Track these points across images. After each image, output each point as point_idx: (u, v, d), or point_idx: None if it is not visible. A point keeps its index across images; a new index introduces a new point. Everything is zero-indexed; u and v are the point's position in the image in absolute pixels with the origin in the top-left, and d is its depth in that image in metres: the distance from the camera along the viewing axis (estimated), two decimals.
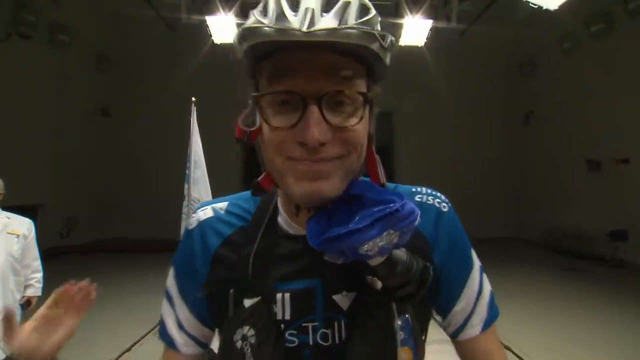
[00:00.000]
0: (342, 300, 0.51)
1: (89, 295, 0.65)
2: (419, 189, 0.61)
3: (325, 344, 0.51)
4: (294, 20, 0.39)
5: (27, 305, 2.42)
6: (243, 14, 5.59)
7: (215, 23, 5.58)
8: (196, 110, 3.29)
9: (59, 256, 7.02)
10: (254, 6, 0.47)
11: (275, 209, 0.56)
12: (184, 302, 0.58)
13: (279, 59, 0.43)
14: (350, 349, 0.48)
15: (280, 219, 0.56)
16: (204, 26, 5.75)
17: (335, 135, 0.43)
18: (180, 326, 0.58)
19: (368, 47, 0.41)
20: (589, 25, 7.01)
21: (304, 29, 0.38)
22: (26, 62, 7.12)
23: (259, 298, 0.49)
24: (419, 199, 0.59)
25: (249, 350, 0.46)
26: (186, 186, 3.24)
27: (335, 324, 0.51)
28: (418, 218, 0.44)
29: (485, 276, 0.60)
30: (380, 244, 0.41)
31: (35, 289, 2.47)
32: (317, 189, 0.44)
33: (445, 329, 0.60)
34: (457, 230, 0.59)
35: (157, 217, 8.36)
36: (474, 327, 0.57)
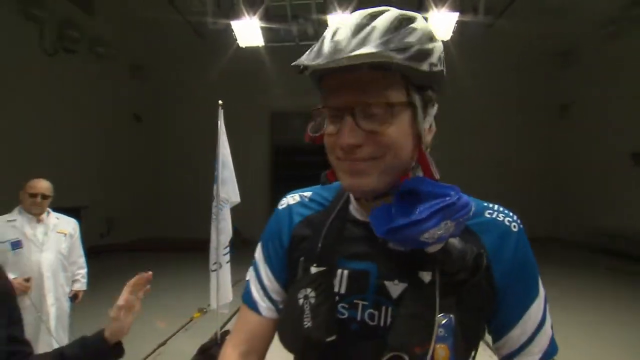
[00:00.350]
0: (393, 288, 0.55)
1: (148, 283, 0.86)
2: (491, 205, 0.62)
3: (371, 323, 0.56)
4: (325, 52, 0.48)
5: (75, 299, 2.62)
6: (267, 17, 5.69)
7: (240, 27, 5.73)
8: (223, 113, 3.39)
9: (99, 254, 7.47)
10: (277, 10, 0.52)
11: (348, 198, 0.64)
12: (269, 268, 0.67)
13: (327, 81, 0.53)
14: (392, 334, 0.52)
15: (351, 207, 0.64)
16: (229, 31, 5.91)
17: (369, 139, 0.51)
18: (264, 290, 0.67)
19: (389, 62, 0.47)
20: (632, 8, 6.53)
21: (322, 60, 0.47)
22: (71, 74, 7.64)
23: (323, 268, 0.57)
24: (489, 215, 0.60)
25: (308, 307, 0.54)
26: (215, 187, 3.36)
27: (383, 308, 0.55)
28: (473, 209, 0.50)
29: (548, 307, 0.60)
30: (438, 233, 0.47)
31: (81, 284, 2.66)
32: (356, 183, 0.53)
33: (497, 349, 0.61)
34: (524, 253, 0.58)
35: (187, 217, 8.71)
36: (532, 356, 0.57)
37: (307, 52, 0.52)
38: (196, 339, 3.33)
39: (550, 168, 9.88)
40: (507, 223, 0.59)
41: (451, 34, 5.82)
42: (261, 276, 0.68)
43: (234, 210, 3.45)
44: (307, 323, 0.53)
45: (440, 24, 5.63)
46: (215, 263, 3.24)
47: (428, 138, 0.56)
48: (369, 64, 0.46)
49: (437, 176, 0.55)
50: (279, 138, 10.65)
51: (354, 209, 0.63)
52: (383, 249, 0.57)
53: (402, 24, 0.50)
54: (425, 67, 0.50)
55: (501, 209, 0.62)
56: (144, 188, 10.32)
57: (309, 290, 0.56)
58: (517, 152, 9.85)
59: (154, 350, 3.29)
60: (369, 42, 0.47)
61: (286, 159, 10.40)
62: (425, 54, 0.50)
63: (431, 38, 0.52)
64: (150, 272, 0.86)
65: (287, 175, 9.82)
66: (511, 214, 0.61)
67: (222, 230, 3.28)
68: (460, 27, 5.84)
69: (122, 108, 9.57)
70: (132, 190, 9.85)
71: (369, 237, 0.57)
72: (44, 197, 2.37)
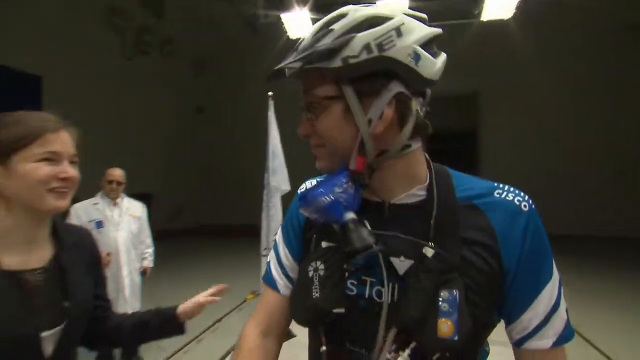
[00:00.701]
0: (399, 264, 0.56)
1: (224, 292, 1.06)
2: (501, 186, 0.61)
3: (378, 300, 0.57)
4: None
5: (144, 274, 2.96)
6: (316, 8, 5.70)
7: (290, 19, 5.84)
8: (273, 104, 3.50)
9: (167, 237, 8.26)
10: (327, 0, 0.57)
11: None
12: (287, 248, 0.72)
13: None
14: (398, 310, 0.53)
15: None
16: (279, 23, 6.05)
17: (313, 130, 0.59)
18: (283, 269, 0.71)
19: (313, 69, 0.54)
20: None
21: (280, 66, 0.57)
22: (144, 73, 8.49)
23: (333, 244, 0.60)
24: (498, 195, 0.59)
25: (317, 279, 0.57)
26: (266, 176, 3.52)
27: (390, 285, 0.56)
28: (324, 200, 0.55)
29: (562, 291, 0.58)
30: (311, 214, 0.58)
31: (148, 261, 3.00)
32: (318, 165, 0.62)
33: (509, 333, 0.59)
34: (536, 234, 0.57)
35: (242, 204, 9.21)
36: (545, 340, 0.56)
37: None
38: (248, 319, 3.57)
39: (626, 157, 8.67)
40: (517, 203, 0.58)
41: (513, 11, 5.31)
42: (280, 256, 0.72)
43: (285, 198, 3.58)
44: (316, 294, 0.56)
45: (500, 2, 5.17)
46: (265, 249, 3.42)
47: (379, 127, 0.55)
48: (296, 70, 0.55)
49: (353, 167, 0.57)
50: None
51: (367, 192, 0.64)
52: (390, 226, 0.58)
53: (324, 27, 0.55)
54: (337, 62, 0.52)
55: (512, 189, 0.60)
56: (206, 176, 11.14)
57: (318, 263, 0.58)
58: (587, 139, 8.81)
59: (211, 326, 3.61)
60: (292, 55, 0.56)
61: None
62: (334, 50, 0.52)
63: (353, 29, 0.53)
64: (228, 285, 1.06)
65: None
66: (522, 194, 0.59)
67: (273, 217, 3.44)
68: (524, 4, 5.30)
69: (186, 101, 10.39)
70: (195, 178, 10.69)
71: (377, 215, 0.59)
72: (119, 183, 2.70)
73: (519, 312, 0.57)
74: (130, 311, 2.72)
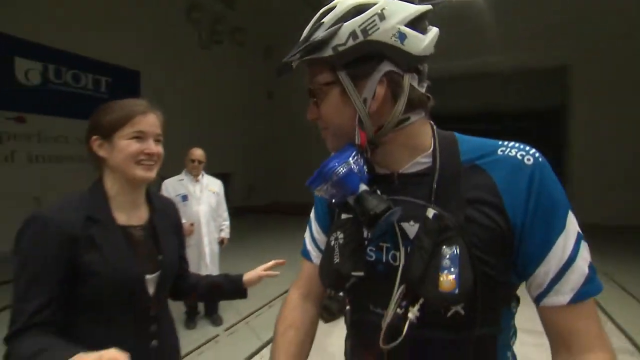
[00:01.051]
0: (409, 228, 0.60)
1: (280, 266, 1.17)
2: (505, 143, 0.61)
3: (394, 263, 0.61)
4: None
5: (222, 244, 3.32)
6: None
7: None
8: None
9: (242, 214, 9.01)
10: None
11: None
12: (317, 224, 0.81)
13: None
14: (407, 268, 0.58)
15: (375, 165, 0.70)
16: None
17: (320, 115, 0.64)
18: (315, 242, 0.80)
19: (311, 60, 0.59)
20: None
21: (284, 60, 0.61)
22: (217, 61, 9.17)
23: (350, 215, 0.64)
24: (501, 152, 0.60)
25: (337, 247, 0.63)
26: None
27: (403, 248, 0.60)
28: (340, 171, 0.57)
29: (585, 245, 0.56)
30: (326, 192, 0.60)
31: (225, 232, 3.35)
32: (328, 146, 0.67)
33: (528, 290, 0.60)
34: (542, 186, 0.56)
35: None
36: (561, 295, 0.55)
37: None
38: None
39: None
40: (520, 157, 0.58)
41: None
42: (312, 231, 0.82)
43: None
44: (336, 260, 0.62)
45: None
46: None
47: (374, 105, 0.58)
48: (297, 62, 0.60)
49: (358, 142, 0.60)
50: None
51: (377, 165, 0.67)
52: (400, 194, 0.62)
53: (315, 23, 0.60)
54: (328, 52, 0.57)
55: (516, 145, 0.60)
56: (276, 158, 11.77)
57: (338, 232, 0.64)
58: None
59: (281, 294, 3.92)
60: (294, 49, 0.60)
61: None
62: (324, 41, 0.57)
63: (340, 20, 0.56)
64: (284, 261, 1.18)
65: None
66: (527, 148, 0.59)
67: None
68: None
69: (258, 87, 10.96)
70: (266, 159, 11.37)
71: (387, 186, 0.63)
72: (199, 162, 3.05)
73: (533, 267, 0.56)
74: (210, 272, 3.12)
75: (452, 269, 0.53)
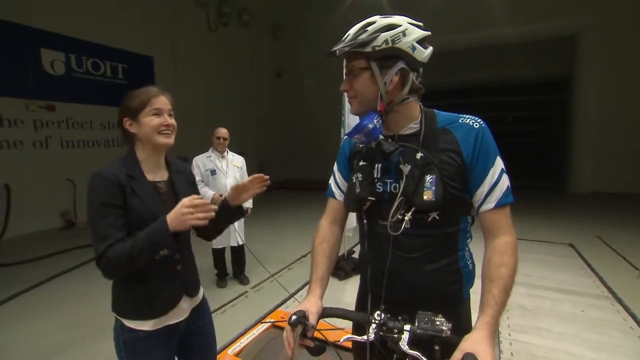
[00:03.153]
0: (405, 168, 0.93)
1: (266, 182, 1.33)
2: (463, 115, 0.97)
3: (395, 191, 0.96)
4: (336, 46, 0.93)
5: (246, 213, 3.67)
6: None
7: None
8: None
9: None
10: None
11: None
12: (340, 172, 1.15)
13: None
14: (404, 190, 0.93)
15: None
16: None
17: (350, 87, 0.95)
18: (337, 185, 1.15)
19: (353, 51, 0.89)
20: None
21: (332, 50, 0.92)
22: (226, 42, 9.31)
23: (365, 163, 1.01)
24: (461, 121, 0.96)
25: (357, 182, 0.99)
26: (342, 130, 3.89)
27: (400, 180, 0.94)
28: (370, 126, 0.89)
29: (505, 176, 0.92)
30: (360, 139, 0.92)
31: (249, 203, 3.69)
32: (352, 109, 0.99)
33: (474, 205, 0.95)
34: (483, 140, 0.92)
35: (320, 161, 9.86)
36: (490, 204, 0.91)
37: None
38: None
39: None
40: (471, 123, 0.94)
41: None
42: (336, 177, 1.15)
43: None
44: (357, 190, 0.98)
45: None
46: None
47: (390, 87, 0.91)
48: (345, 50, 0.89)
49: (379, 108, 0.92)
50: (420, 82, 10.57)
51: (385, 129, 0.98)
52: (384, 149, 0.92)
53: (362, 28, 0.89)
54: (369, 49, 0.88)
55: (470, 116, 0.97)
56: (286, 136, 12.05)
57: (358, 174, 1.00)
58: None
59: (300, 258, 4.35)
60: (344, 41, 0.90)
61: (425, 103, 10.43)
62: (367, 42, 0.87)
63: (382, 30, 0.87)
64: (267, 176, 1.33)
65: None
66: (476, 118, 0.96)
67: None
68: None
69: (266, 66, 11.11)
70: (277, 137, 11.66)
71: (392, 141, 0.95)
72: (224, 139, 3.39)
73: (476, 188, 0.93)
74: (239, 239, 3.53)
75: (431, 187, 0.88)
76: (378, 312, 0.88)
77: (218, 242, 3.52)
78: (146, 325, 1.19)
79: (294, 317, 0.87)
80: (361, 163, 1.01)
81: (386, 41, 0.87)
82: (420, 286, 0.97)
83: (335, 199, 1.14)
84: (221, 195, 3.33)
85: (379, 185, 0.99)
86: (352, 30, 0.91)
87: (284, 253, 4.57)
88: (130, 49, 7.10)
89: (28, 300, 3.45)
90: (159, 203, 1.19)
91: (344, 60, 0.95)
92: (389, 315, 0.87)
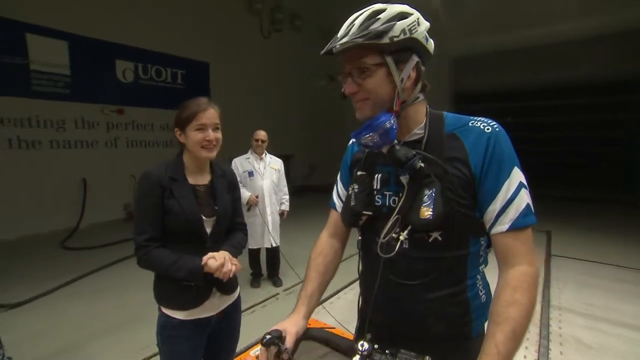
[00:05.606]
0: (405, 179, 0.82)
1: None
2: (475, 118, 0.82)
3: (393, 205, 0.84)
4: (334, 41, 0.79)
5: (282, 215, 3.73)
6: None
7: None
8: None
9: (303, 192, 9.54)
10: None
11: None
12: (341, 183, 1.04)
13: (342, 56, 0.81)
14: (400, 206, 0.81)
15: None
16: None
17: (360, 88, 0.79)
18: (339, 196, 1.04)
19: (364, 43, 0.74)
20: None
21: (327, 49, 0.79)
22: (278, 48, 9.60)
23: (364, 172, 0.89)
24: (471, 124, 0.81)
25: (353, 194, 0.88)
26: None
27: (400, 194, 0.82)
28: (387, 124, 0.76)
29: (525, 191, 0.75)
30: (369, 138, 0.78)
31: (285, 206, 3.73)
32: (359, 115, 0.82)
33: (485, 225, 0.79)
34: (496, 147, 0.76)
35: None
36: (502, 225, 0.75)
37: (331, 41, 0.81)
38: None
39: None
40: (482, 127, 0.79)
41: None
42: (338, 188, 1.05)
43: None
44: (352, 202, 0.87)
45: None
46: None
47: (408, 83, 0.79)
48: (352, 45, 0.75)
49: (396, 109, 0.79)
50: (463, 84, 9.94)
51: None
52: (400, 157, 0.81)
53: (371, 17, 0.76)
54: (385, 40, 0.74)
55: (482, 119, 0.81)
56: (335, 139, 12.03)
57: (355, 185, 0.89)
58: None
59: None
60: (349, 34, 0.76)
61: (467, 107, 9.78)
62: (384, 32, 0.74)
63: (396, 19, 0.75)
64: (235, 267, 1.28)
65: None
66: (489, 121, 0.80)
67: None
68: None
69: (318, 71, 11.22)
70: (326, 141, 11.72)
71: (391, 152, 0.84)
72: (262, 141, 3.45)
73: (487, 205, 0.77)
74: (272, 241, 3.56)
75: (429, 204, 0.75)
76: (362, 342, 0.74)
77: (254, 243, 3.59)
78: (179, 315, 1.29)
79: (267, 337, 0.78)
80: (359, 173, 0.90)
81: (403, 31, 0.75)
82: (418, 316, 0.83)
83: (337, 210, 1.04)
84: (257, 197, 3.40)
85: (378, 198, 0.87)
86: (357, 20, 0.77)
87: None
88: (188, 56, 7.64)
89: (89, 282, 3.86)
90: (195, 206, 1.27)
91: (342, 59, 0.81)
92: (376, 347, 0.74)
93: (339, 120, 12.01)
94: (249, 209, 3.44)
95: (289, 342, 0.80)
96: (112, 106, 6.50)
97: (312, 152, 10.93)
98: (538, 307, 3.05)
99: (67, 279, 3.83)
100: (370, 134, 0.77)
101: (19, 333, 2.77)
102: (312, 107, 11.11)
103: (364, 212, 0.85)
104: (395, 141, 0.79)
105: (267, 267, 3.82)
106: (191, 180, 1.31)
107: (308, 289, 0.93)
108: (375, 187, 0.87)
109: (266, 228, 3.51)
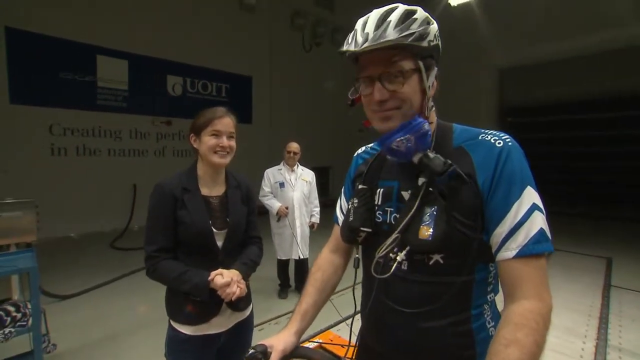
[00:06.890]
0: (407, 195, 0.77)
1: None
2: (486, 131, 0.75)
3: (394, 223, 0.78)
4: (360, 41, 0.69)
5: (312, 227, 3.71)
6: None
7: None
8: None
9: None
10: None
11: None
12: (345, 196, 1.00)
13: (362, 60, 0.74)
14: (400, 224, 0.73)
15: None
16: None
17: (392, 96, 0.71)
18: (342, 210, 0.99)
19: (401, 44, 0.67)
20: None
21: (358, 47, 0.69)
22: (318, 61, 9.78)
23: (365, 186, 0.84)
24: (481, 137, 0.74)
25: (352, 210, 0.82)
26: None
27: (402, 210, 0.76)
28: (425, 127, 0.70)
29: (539, 214, 0.66)
30: (403, 143, 0.70)
31: (315, 218, 3.72)
32: (385, 126, 0.74)
33: (491, 249, 0.70)
34: (507, 163, 0.68)
35: None
36: (509, 251, 0.66)
37: (346, 42, 0.73)
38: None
39: None
40: (493, 141, 0.72)
41: None
42: (341, 202, 1.00)
43: None
44: (351, 218, 0.82)
45: None
46: None
47: (432, 91, 0.74)
48: (389, 46, 0.67)
49: (427, 115, 0.74)
50: (510, 97, 9.44)
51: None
52: (402, 170, 0.78)
53: (408, 16, 0.69)
54: (425, 43, 0.69)
55: (494, 132, 0.74)
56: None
57: (355, 199, 0.83)
58: None
59: (359, 282, 4.14)
60: (387, 33, 0.67)
61: (517, 120, 9.31)
62: (424, 34, 0.69)
63: (428, 22, 0.71)
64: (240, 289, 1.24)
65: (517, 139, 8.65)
66: (501, 134, 0.73)
67: None
68: None
69: (351, 83, 11.28)
70: None
71: (397, 165, 0.81)
72: (295, 153, 3.49)
73: (493, 227, 0.68)
74: (300, 253, 3.55)
75: (430, 223, 0.68)
76: None
77: (282, 254, 3.61)
78: (186, 330, 1.26)
79: (251, 351, 0.76)
80: (360, 186, 0.84)
81: (435, 36, 0.72)
82: (412, 347, 0.75)
83: (339, 225, 0.99)
84: (287, 208, 3.43)
85: (379, 214, 0.81)
86: (392, 18, 0.68)
87: (347, 273, 4.42)
88: (233, 70, 8.05)
89: (133, 280, 4.13)
90: (206, 217, 1.25)
91: (363, 62, 0.74)
92: None
93: (376, 132, 11.92)
94: (278, 220, 3.48)
95: (273, 359, 0.77)
96: (161, 118, 7.01)
97: (346, 165, 10.88)
98: (591, 348, 2.71)
99: (113, 276, 4.12)
100: (407, 135, 0.69)
101: (68, 322, 3.03)
102: (344, 120, 11.09)
103: (362, 229, 0.79)
104: (429, 149, 0.72)
105: (294, 279, 3.82)
106: (205, 191, 1.29)
107: (303, 305, 0.89)
108: (377, 202, 0.82)
109: (294, 240, 3.53)
